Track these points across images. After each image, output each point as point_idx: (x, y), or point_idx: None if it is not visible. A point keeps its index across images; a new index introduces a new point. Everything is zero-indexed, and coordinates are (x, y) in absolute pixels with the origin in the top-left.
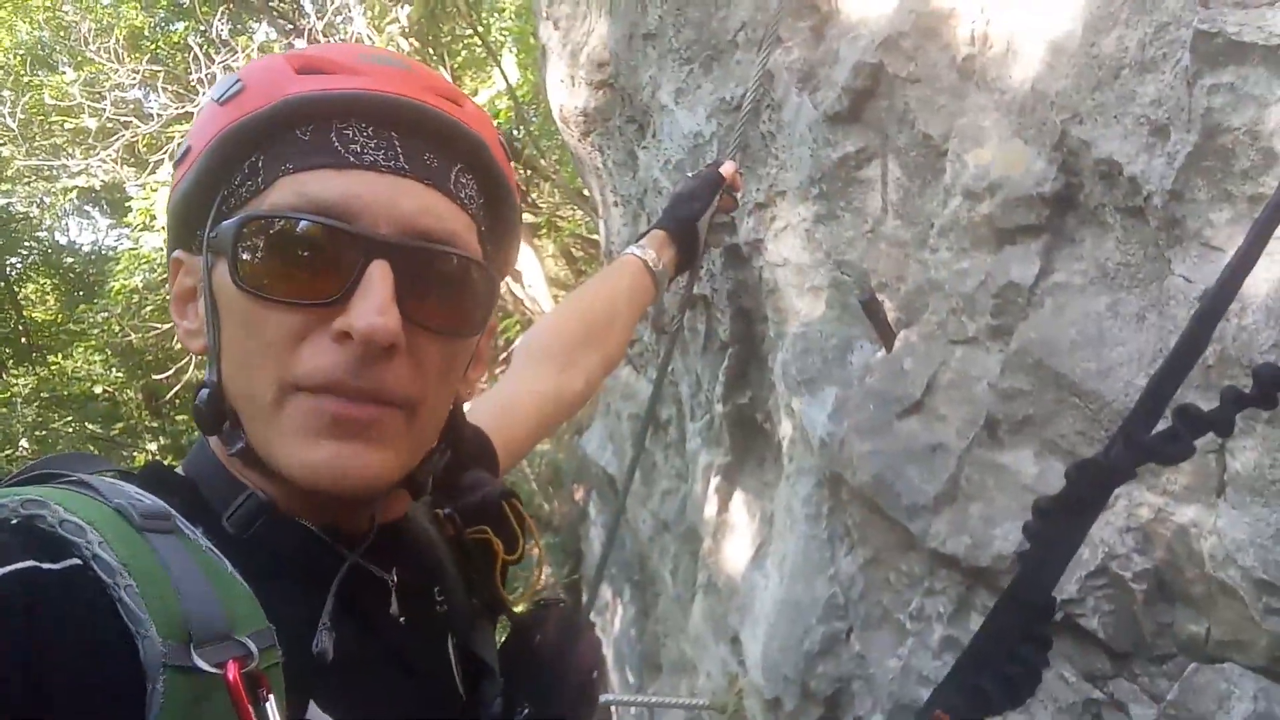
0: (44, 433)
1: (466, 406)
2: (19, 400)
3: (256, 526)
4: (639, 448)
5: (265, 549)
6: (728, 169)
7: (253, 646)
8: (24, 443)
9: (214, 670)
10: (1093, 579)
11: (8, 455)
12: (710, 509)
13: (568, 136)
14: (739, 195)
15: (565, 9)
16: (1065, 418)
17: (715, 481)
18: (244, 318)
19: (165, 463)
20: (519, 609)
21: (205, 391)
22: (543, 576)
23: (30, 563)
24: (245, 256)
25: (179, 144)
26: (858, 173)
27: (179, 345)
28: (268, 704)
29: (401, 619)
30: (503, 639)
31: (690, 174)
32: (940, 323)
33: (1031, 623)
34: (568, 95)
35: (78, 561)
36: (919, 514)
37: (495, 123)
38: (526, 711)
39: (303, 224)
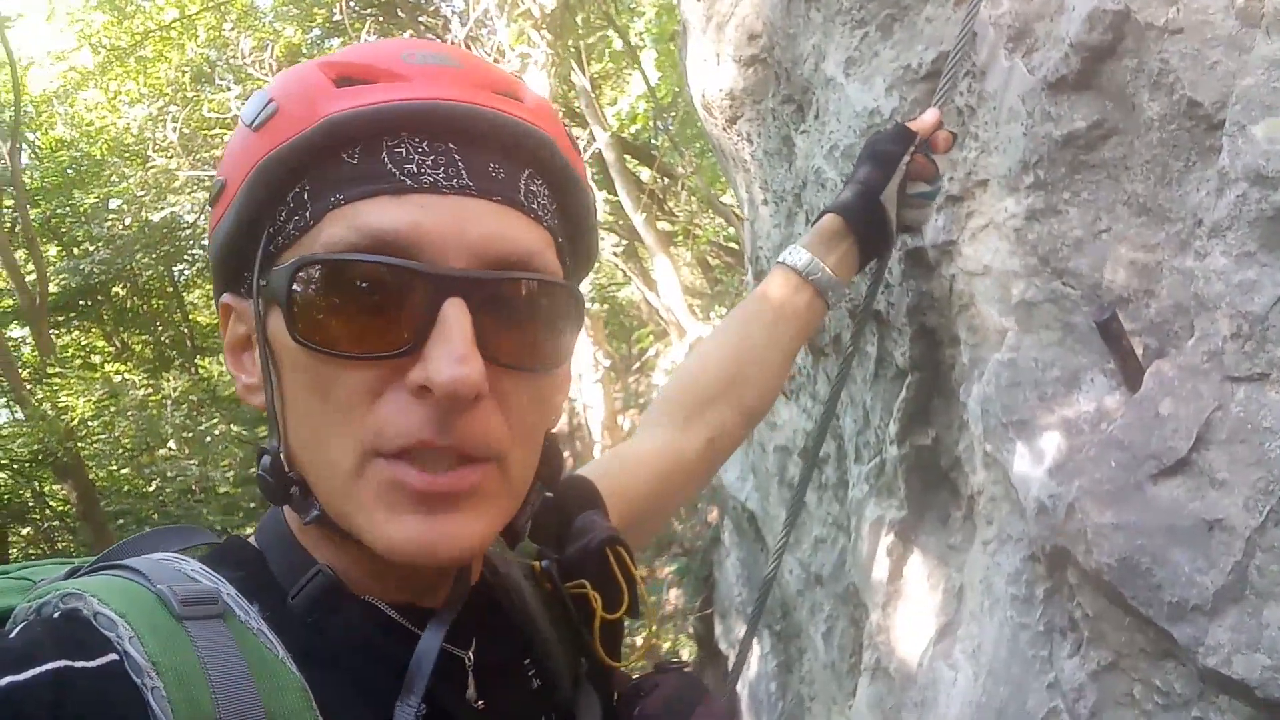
0: (191, 434)
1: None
2: (169, 402)
3: (322, 607)
4: (799, 498)
5: (332, 630)
6: (926, 120)
7: None
8: (172, 444)
9: None
10: None
11: (161, 455)
12: (879, 572)
13: (710, 126)
14: (946, 155)
15: None
16: None
17: (886, 540)
18: (309, 376)
19: (243, 535)
20: (640, 667)
21: (267, 458)
22: (654, 633)
23: (62, 662)
24: (302, 307)
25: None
26: (1089, 155)
27: None
28: None
29: (480, 703)
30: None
31: (873, 133)
32: (1212, 352)
33: None
34: (711, 76)
35: (115, 657)
36: (1187, 615)
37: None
38: None
39: (363, 265)
